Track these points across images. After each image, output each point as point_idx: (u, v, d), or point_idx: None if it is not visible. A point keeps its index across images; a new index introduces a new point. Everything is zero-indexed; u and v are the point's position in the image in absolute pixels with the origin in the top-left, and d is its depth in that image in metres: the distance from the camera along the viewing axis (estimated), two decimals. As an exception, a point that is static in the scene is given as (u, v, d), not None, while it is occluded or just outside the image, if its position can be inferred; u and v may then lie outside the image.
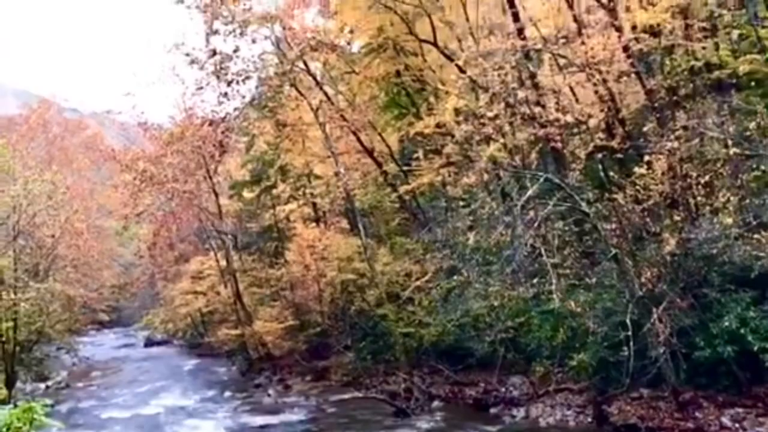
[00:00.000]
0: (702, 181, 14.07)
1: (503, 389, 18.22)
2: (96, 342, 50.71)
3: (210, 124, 28.18)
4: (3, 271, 30.06)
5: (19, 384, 28.88)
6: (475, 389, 19.14)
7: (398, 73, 24.21)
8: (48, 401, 11.21)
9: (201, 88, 24.89)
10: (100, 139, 52.90)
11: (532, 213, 14.72)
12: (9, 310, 28.19)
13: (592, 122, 16.29)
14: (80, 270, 39.14)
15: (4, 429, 10.09)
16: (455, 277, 17.76)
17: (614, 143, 16.33)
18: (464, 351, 19.07)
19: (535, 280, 15.34)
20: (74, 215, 36.80)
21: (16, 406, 12.50)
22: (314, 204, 29.62)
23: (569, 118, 15.86)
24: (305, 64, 24.34)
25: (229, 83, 23.97)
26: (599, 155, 16.89)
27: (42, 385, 31.26)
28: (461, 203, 19.11)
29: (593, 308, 14.89)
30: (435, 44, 21.51)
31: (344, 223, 29.08)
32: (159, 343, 49.66)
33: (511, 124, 17.11)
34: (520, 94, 16.61)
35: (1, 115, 67.86)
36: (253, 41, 23.62)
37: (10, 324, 28.65)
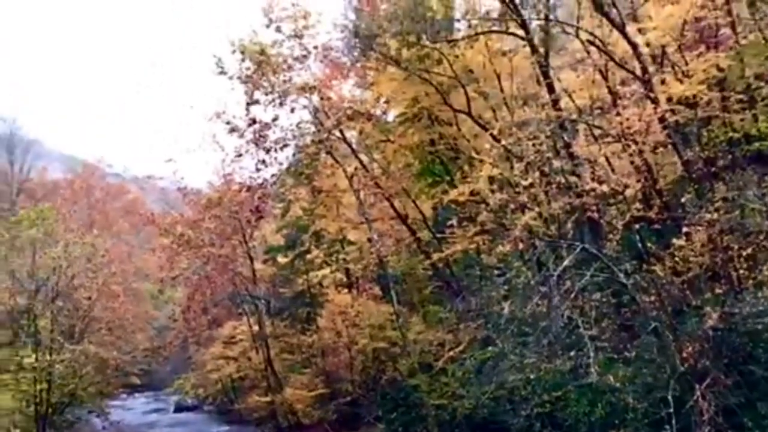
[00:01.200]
0: (744, 253, 13.71)
1: (540, 466, 17.51)
2: (126, 406, 50.50)
3: (248, 190, 28.67)
4: (41, 332, 30.52)
5: (49, 447, 28.83)
6: (510, 465, 18.44)
7: (432, 142, 24.49)
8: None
9: (240, 155, 25.49)
10: (140, 203, 54.28)
11: (568, 283, 14.46)
12: (44, 371, 28.48)
13: (628, 192, 16.12)
14: (115, 332, 39.44)
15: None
16: (490, 348, 17.42)
17: (652, 214, 16.11)
18: (499, 425, 18.46)
19: (572, 353, 14.93)
20: (112, 278, 37.40)
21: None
22: (347, 270, 29.62)
23: (605, 188, 15.73)
24: (341, 132, 24.83)
25: (267, 151, 24.51)
26: (637, 226, 16.63)
27: (72, 449, 31.12)
28: (496, 272, 18.92)
29: (633, 383, 14.37)
30: (469, 114, 21.77)
31: (376, 290, 28.93)
32: (189, 409, 49.24)
33: (546, 193, 17.03)
34: (556, 163, 16.62)
35: (48, 180, 70.16)
36: (292, 110, 24.24)
37: (44, 386, 28.90)
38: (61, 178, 65.55)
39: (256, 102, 23.63)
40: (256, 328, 32.71)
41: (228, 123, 24.92)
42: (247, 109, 23.92)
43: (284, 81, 23.34)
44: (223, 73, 23.36)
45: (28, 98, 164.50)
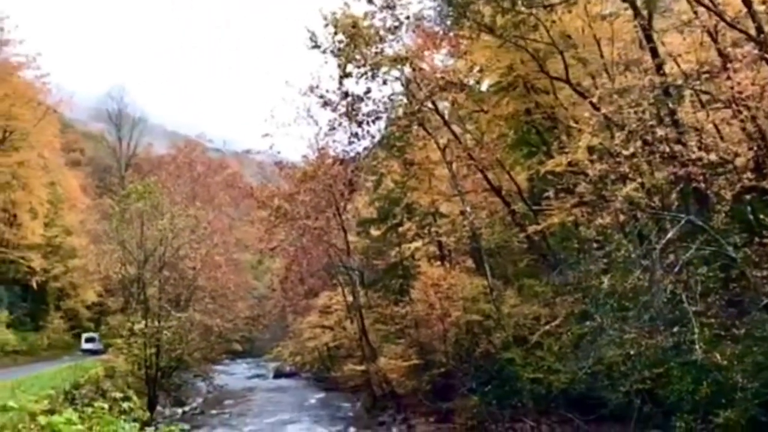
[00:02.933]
0: None
1: (639, 444, 17.07)
2: (229, 371, 52.91)
3: (341, 164, 29.05)
4: (149, 300, 32.26)
5: (158, 408, 30.58)
6: (608, 442, 18.08)
7: (528, 111, 23.88)
8: (185, 426, 11.78)
9: (333, 128, 25.80)
10: (239, 177, 56.10)
11: (672, 257, 13.87)
12: (153, 337, 30.13)
13: (738, 161, 15.17)
14: (217, 301, 41.23)
15: (145, 451, 10.62)
16: (587, 323, 16.98)
17: (765, 184, 15.12)
18: (596, 400, 18.10)
19: (675, 329, 14.34)
20: (214, 249, 38.97)
21: (156, 428, 13.22)
22: (440, 242, 29.57)
23: (713, 157, 14.86)
24: (434, 103, 24.61)
25: (359, 124, 24.66)
26: (747, 196, 15.69)
27: (179, 410, 32.88)
28: (594, 245, 18.34)
29: (741, 361, 13.69)
30: (567, 81, 21.04)
31: (470, 263, 28.77)
32: (287, 375, 51.05)
33: (649, 163, 16.29)
34: (659, 131, 15.81)
35: (153, 155, 73.64)
36: (384, 82, 24.23)
37: (154, 350, 30.57)
38: (165, 154, 68.67)
39: (349, 75, 23.72)
40: (350, 298, 33.34)
41: (321, 97, 25.25)
42: (340, 83, 24.10)
43: (376, 53, 23.28)
44: (316, 47, 23.55)
45: (133, 77, 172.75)
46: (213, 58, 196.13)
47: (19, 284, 47.12)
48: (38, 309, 49.49)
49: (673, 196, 17.20)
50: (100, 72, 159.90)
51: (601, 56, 20.45)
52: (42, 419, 12.66)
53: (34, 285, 47.61)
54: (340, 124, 25.57)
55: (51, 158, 50.66)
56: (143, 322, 30.42)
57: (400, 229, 32.16)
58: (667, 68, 17.25)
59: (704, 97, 16.86)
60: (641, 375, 16.19)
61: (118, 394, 14.04)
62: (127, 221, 33.19)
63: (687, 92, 17.84)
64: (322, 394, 39.19)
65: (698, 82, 15.94)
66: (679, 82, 16.57)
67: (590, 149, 18.57)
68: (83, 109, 68.87)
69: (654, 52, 17.26)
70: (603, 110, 16.95)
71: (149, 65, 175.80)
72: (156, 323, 30.60)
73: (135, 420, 11.87)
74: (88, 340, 46.19)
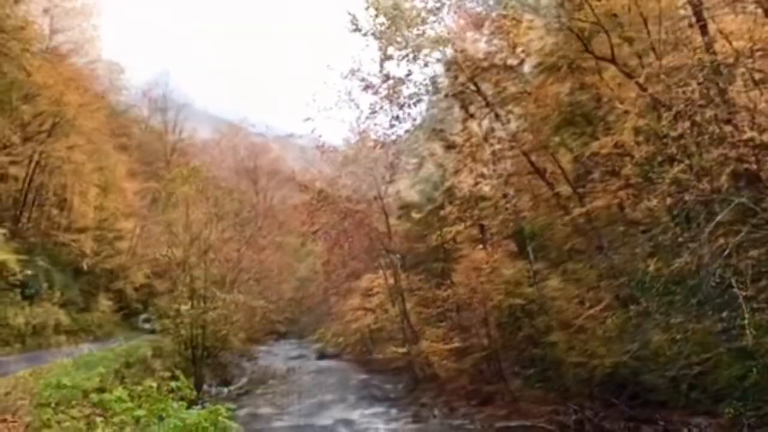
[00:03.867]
0: None
1: (685, 429, 16.80)
2: (273, 352, 53.70)
3: (382, 147, 29.05)
4: (195, 282, 32.91)
5: (205, 387, 31.28)
6: (654, 427, 17.78)
7: (573, 92, 23.45)
8: (230, 405, 12.03)
9: (374, 112, 25.82)
10: (281, 161, 56.56)
11: (721, 240, 13.55)
12: (199, 317, 30.77)
13: (794, 142, 14.70)
14: (261, 283, 41.83)
15: (193, 428, 10.92)
16: (633, 307, 16.74)
17: (821, 165, 14.63)
18: (642, 386, 17.89)
19: (724, 314, 14.05)
20: (258, 231, 39.45)
21: (203, 407, 13.48)
22: (481, 226, 29.38)
23: (766, 138, 14.44)
24: (476, 85, 24.37)
25: (401, 107, 24.64)
26: (802, 178, 15.19)
27: (225, 389, 33.54)
28: (640, 228, 18.02)
29: (794, 348, 13.37)
30: (613, 61, 20.58)
31: (512, 246, 28.53)
32: (330, 357, 51.59)
33: (697, 144, 15.87)
34: (708, 112, 15.40)
35: (197, 140, 74.74)
36: (425, 65, 24.15)
37: (200, 331, 31.23)
38: (209, 138, 69.60)
39: (390, 58, 23.71)
40: (391, 281, 33.46)
41: (363, 80, 25.27)
42: (381, 66, 24.10)
43: (418, 35, 23.16)
44: (357, 30, 23.54)
45: (179, 62, 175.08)
46: (255, 42, 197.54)
47: (70, 266, 48.55)
48: (89, 290, 50.94)
49: (723, 178, 16.74)
50: (147, 58, 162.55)
51: (648, 35, 19.91)
52: (94, 396, 13.11)
53: (85, 267, 49.00)
54: (381, 107, 25.61)
55: (99, 143, 51.78)
56: (189, 303, 31.05)
57: (442, 212, 32.04)
58: (718, 46, 16.73)
59: (757, 76, 16.32)
60: (688, 360, 15.90)
61: (166, 374, 14.41)
62: (173, 205, 33.83)
63: (739, 71, 17.31)
64: (364, 375, 39.50)
65: (751, 61, 15.44)
66: (731, 60, 16.06)
67: (636, 130, 18.17)
68: (130, 94, 70.10)
69: (704, 30, 16.74)
70: (650, 90, 16.59)
71: (193, 50, 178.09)
72: (202, 304, 31.22)
73: (182, 398, 12.21)
74: (146, 320, 48.03)
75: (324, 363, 49.60)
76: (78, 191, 46.72)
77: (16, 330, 31.68)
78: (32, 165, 42.17)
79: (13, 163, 40.53)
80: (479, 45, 25.17)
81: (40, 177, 43.78)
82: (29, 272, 35.42)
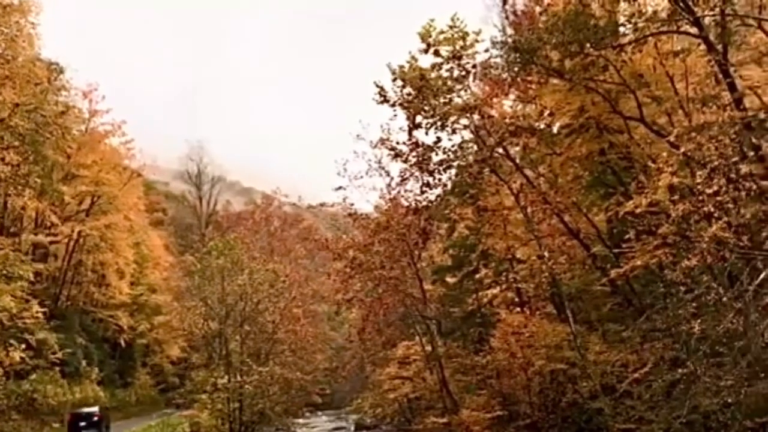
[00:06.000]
0: None
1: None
2: (310, 424, 52.81)
3: (414, 213, 29.10)
4: (231, 355, 32.87)
5: (243, 462, 30.78)
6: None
7: (602, 152, 23.38)
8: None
9: (405, 179, 26.01)
10: (314, 229, 56.95)
11: (767, 298, 13.14)
12: (235, 391, 30.57)
13: (834, 194, 14.39)
14: (297, 353, 41.55)
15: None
16: (679, 370, 16.16)
17: None
18: (694, 453, 17.10)
19: (777, 376, 13.52)
20: (292, 301, 39.46)
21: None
22: (518, 289, 28.97)
23: (806, 191, 14.17)
24: (505, 149, 24.50)
25: (431, 173, 24.80)
26: None
27: (263, 464, 32.97)
28: (682, 288, 17.57)
29: None
30: (642, 120, 20.57)
31: (550, 309, 28.01)
32: (368, 428, 50.45)
33: (734, 200, 15.61)
34: (744, 168, 15.19)
35: (231, 212, 75.97)
36: (453, 131, 24.37)
37: (237, 405, 31.00)
38: (243, 210, 70.70)
39: (418, 126, 24.01)
40: (428, 348, 32.93)
41: (392, 149, 25.57)
42: (410, 134, 24.40)
43: (445, 103, 23.49)
44: (385, 101, 23.98)
45: (212, 136, 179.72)
46: (286, 114, 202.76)
47: (108, 342, 48.96)
48: (126, 366, 51.17)
49: (764, 234, 16.38)
50: (181, 133, 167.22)
51: (676, 93, 19.96)
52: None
53: (122, 342, 49.36)
54: (411, 174, 25.81)
55: (136, 219, 52.97)
56: (226, 376, 30.92)
57: (477, 275, 31.76)
58: (747, 102, 16.66)
59: (790, 129, 16.15)
60: (743, 425, 15.23)
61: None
62: (208, 277, 34.13)
63: (771, 125, 17.17)
64: (404, 447, 38.51)
65: (782, 114, 15.32)
66: (762, 115, 15.95)
67: (671, 188, 17.97)
68: (165, 170, 72.13)
69: (732, 86, 16.69)
70: (682, 148, 16.46)
71: (226, 123, 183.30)
72: (238, 377, 31.06)
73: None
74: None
75: (362, 434, 48.55)
76: (115, 268, 47.57)
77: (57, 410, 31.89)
78: (71, 243, 43.19)
79: (53, 242, 41.58)
80: (506, 109, 25.45)
81: (79, 255, 44.77)
82: (68, 350, 35.77)
